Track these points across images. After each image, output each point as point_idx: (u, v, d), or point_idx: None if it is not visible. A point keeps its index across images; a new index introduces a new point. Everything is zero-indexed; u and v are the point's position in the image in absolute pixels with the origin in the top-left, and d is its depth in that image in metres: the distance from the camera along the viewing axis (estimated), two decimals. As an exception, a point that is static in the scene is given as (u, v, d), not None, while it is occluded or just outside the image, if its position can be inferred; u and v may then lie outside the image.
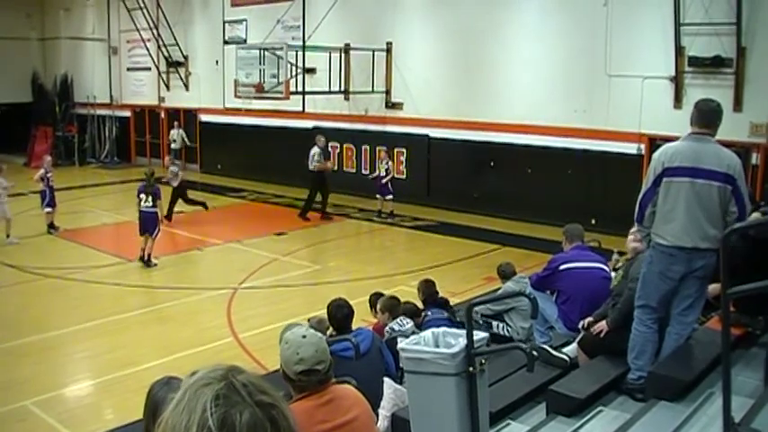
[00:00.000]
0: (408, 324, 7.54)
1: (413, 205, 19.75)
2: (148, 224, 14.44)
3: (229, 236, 17.04)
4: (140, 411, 3.29)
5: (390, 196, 19.09)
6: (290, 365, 3.58)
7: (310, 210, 18.85)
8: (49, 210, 17.12)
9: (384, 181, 19.14)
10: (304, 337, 3.66)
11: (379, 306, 7.84)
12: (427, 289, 8.42)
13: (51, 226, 17.18)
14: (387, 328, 7.51)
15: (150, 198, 14.44)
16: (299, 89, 20.34)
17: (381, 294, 8.62)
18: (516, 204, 18.53)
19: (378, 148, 21.08)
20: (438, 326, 6.44)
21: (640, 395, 5.70)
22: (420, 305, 8.51)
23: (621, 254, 8.42)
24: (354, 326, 6.82)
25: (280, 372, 3.74)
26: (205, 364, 1.63)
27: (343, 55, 20.99)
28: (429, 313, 7.96)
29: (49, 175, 17.09)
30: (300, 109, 22.70)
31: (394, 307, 7.75)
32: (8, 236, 16.17)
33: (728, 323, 4.31)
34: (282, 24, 22.67)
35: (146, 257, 14.49)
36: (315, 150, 18.48)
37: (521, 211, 18.35)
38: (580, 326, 7.09)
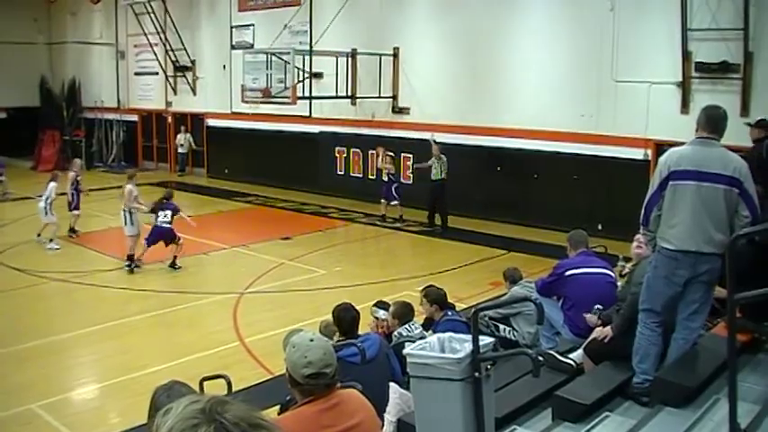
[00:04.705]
0: (417, 330, 7.54)
1: (419, 210, 19.72)
2: (161, 236, 14.73)
3: (235, 240, 17.06)
4: (145, 415, 3.30)
5: (396, 201, 19.09)
6: (297, 369, 3.58)
7: (433, 217, 18.41)
8: (76, 212, 17.32)
9: (391, 182, 19.20)
10: (312, 340, 3.66)
11: (391, 310, 7.83)
12: (435, 292, 8.34)
13: (72, 229, 17.33)
14: (395, 332, 7.51)
15: (168, 213, 14.71)
16: (306, 94, 20.41)
17: (384, 302, 8.62)
18: (523, 209, 18.52)
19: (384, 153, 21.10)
20: (456, 327, 6.45)
21: (645, 399, 5.68)
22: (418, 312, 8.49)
23: (627, 259, 8.40)
24: (361, 331, 6.82)
25: (285, 376, 3.74)
26: (180, 399, 1.56)
27: (349, 60, 21.01)
28: (449, 312, 7.95)
29: (78, 178, 17.41)
30: (307, 114, 22.76)
31: (405, 315, 7.73)
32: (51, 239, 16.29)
33: (735, 329, 4.30)
34: (289, 29, 22.73)
35: (174, 261, 14.82)
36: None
37: (527, 216, 18.34)
38: (591, 320, 7.08)
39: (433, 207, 18.33)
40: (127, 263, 14.65)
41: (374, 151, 20.75)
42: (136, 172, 16.21)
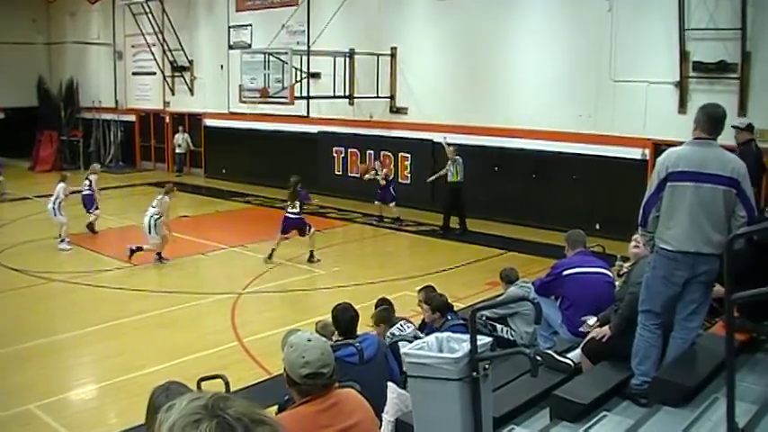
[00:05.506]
0: (409, 328, 7.54)
1: (417, 210, 19.74)
2: (291, 227, 15.18)
3: (233, 240, 17.06)
4: (143, 415, 3.31)
5: (393, 203, 19.08)
6: (295, 369, 3.58)
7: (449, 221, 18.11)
8: (97, 212, 17.69)
9: (389, 184, 19.20)
10: (309, 340, 3.66)
11: (373, 320, 7.79)
12: (438, 299, 8.31)
13: (91, 228, 17.65)
14: (387, 333, 7.49)
15: (297, 204, 15.11)
16: (304, 94, 20.38)
17: (387, 300, 8.61)
18: (521, 209, 18.53)
19: (383, 153, 21.10)
20: (457, 332, 6.46)
21: (644, 400, 5.68)
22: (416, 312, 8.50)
23: (625, 259, 8.40)
24: (360, 331, 6.82)
25: (283, 376, 3.74)
26: (183, 396, 1.58)
27: (347, 60, 21.01)
28: (449, 317, 7.96)
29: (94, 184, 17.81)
30: (305, 114, 22.75)
31: (386, 318, 7.73)
32: (62, 239, 16.33)
33: (733, 328, 4.30)
34: (287, 29, 22.72)
35: (311, 256, 15.35)
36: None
37: (525, 215, 18.35)
38: (582, 328, 7.10)
39: (449, 211, 18.06)
40: (141, 253, 14.94)
41: (373, 163, 20.61)
42: (174, 188, 16.33)
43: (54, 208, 16.26)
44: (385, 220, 19.23)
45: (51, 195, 16.58)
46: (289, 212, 15.21)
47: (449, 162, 17.64)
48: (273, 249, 15.16)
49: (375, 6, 21.15)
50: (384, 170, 19.57)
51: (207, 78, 26.89)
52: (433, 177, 18.28)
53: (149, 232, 14.88)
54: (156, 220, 14.82)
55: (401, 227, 18.84)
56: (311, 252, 15.33)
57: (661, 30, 15.79)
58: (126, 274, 14.53)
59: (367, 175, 19.63)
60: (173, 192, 15.68)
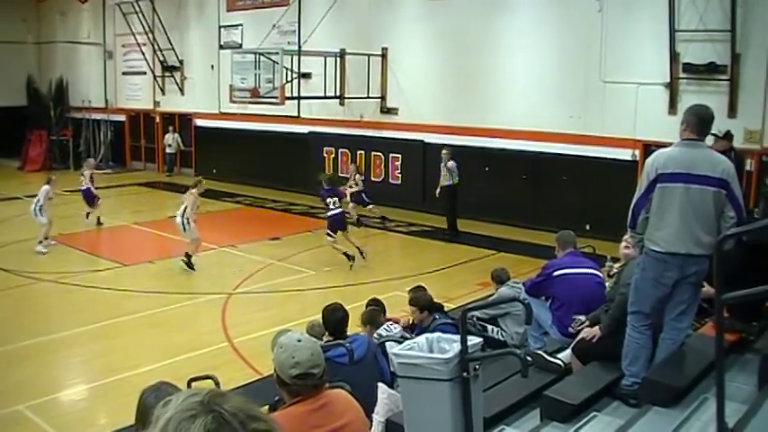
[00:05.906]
0: (396, 329, 7.55)
1: (408, 211, 19.74)
2: (338, 224, 15.03)
3: (224, 241, 17.03)
4: (134, 416, 3.30)
5: (371, 206, 18.91)
6: (285, 369, 3.59)
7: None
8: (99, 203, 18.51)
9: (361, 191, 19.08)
10: (299, 341, 3.66)
11: (361, 320, 7.80)
12: (424, 298, 8.33)
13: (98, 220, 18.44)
14: (374, 334, 7.50)
15: (337, 200, 15.05)
16: (295, 94, 20.34)
17: (378, 300, 8.62)
18: (511, 210, 18.55)
19: (370, 154, 21.10)
20: (446, 330, 6.47)
21: (634, 401, 5.70)
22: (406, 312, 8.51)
23: (615, 260, 8.43)
24: (350, 331, 6.82)
25: (273, 377, 3.74)
26: (179, 392, 1.60)
27: (338, 60, 21.01)
28: (437, 316, 7.98)
29: (93, 176, 18.47)
30: (296, 114, 22.72)
31: (373, 319, 7.74)
32: (40, 241, 16.15)
33: (722, 329, 4.31)
34: (278, 29, 22.68)
35: (363, 252, 15.24)
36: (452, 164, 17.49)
37: (516, 216, 18.37)
38: (571, 329, 7.13)
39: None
40: (184, 259, 14.70)
41: (349, 167, 20.44)
42: (201, 179, 16.20)
43: (35, 209, 16.16)
44: (373, 220, 19.18)
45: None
46: (330, 210, 15.00)
47: (442, 165, 17.56)
48: (345, 253, 14.93)
49: (366, 7, 21.16)
50: (357, 176, 19.25)
51: (197, 78, 26.83)
52: (439, 189, 18.05)
53: (183, 231, 14.83)
54: (187, 218, 14.76)
55: (392, 228, 18.82)
56: (359, 248, 15.22)
57: (651, 31, 15.84)
58: (117, 274, 14.48)
59: (348, 189, 19.24)
60: (200, 184, 15.62)
